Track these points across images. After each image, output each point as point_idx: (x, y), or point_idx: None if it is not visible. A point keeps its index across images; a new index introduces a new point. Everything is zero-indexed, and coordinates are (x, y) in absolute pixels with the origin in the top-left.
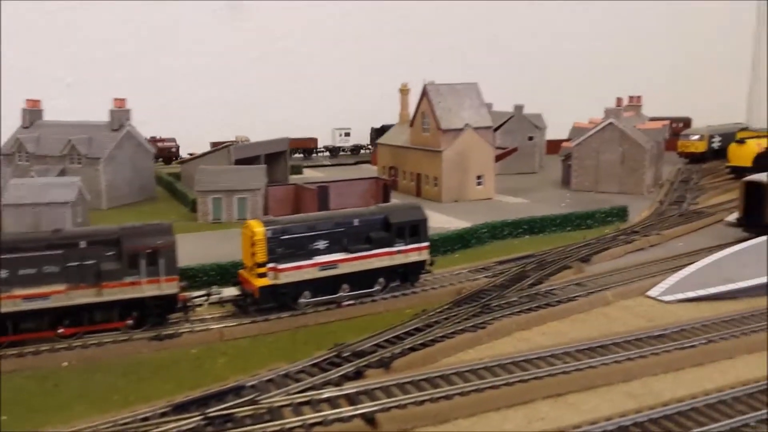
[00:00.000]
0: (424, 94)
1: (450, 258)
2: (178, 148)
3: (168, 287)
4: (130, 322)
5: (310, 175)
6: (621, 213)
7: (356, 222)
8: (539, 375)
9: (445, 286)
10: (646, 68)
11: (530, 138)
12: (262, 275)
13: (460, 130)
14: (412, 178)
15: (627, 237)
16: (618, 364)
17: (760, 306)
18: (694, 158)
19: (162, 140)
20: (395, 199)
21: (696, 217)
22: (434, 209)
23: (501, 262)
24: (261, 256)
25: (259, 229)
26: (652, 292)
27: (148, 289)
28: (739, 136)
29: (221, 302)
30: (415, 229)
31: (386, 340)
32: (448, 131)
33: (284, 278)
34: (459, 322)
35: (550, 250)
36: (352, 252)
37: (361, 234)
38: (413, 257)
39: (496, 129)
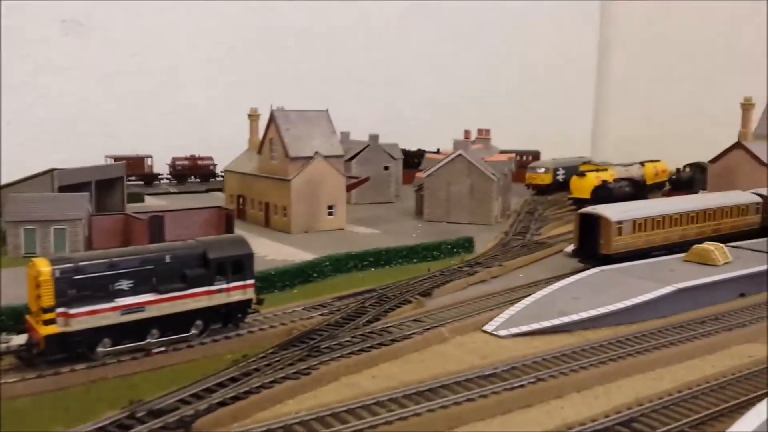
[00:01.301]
0: (272, 120)
1: (288, 294)
2: (215, 165)
3: None
4: None
5: (152, 203)
6: (467, 244)
7: (168, 258)
8: (359, 427)
9: (275, 326)
10: (501, 102)
11: (386, 168)
12: (50, 322)
13: (310, 158)
14: (261, 208)
15: (470, 269)
16: (444, 410)
17: (592, 339)
18: (541, 190)
19: (201, 158)
20: (240, 230)
21: (538, 248)
22: (282, 240)
23: (340, 298)
24: (47, 299)
25: (45, 268)
26: (488, 327)
27: None
28: (581, 169)
29: (7, 353)
30: (238, 265)
31: (193, 395)
32: (297, 159)
33: (77, 325)
34: (282, 369)
35: (393, 283)
36: (162, 292)
37: (175, 271)
38: (237, 296)
39: (351, 158)
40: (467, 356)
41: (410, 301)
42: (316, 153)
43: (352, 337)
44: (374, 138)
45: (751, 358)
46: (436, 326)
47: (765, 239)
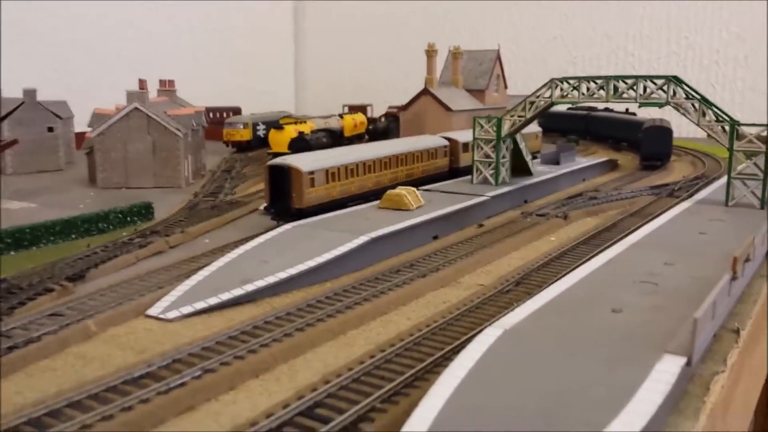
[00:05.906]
0: None
1: None
2: None
3: None
4: None
5: None
6: (144, 211)
7: None
8: None
9: None
10: (201, 58)
11: (50, 129)
12: None
13: None
14: None
15: (143, 240)
16: None
17: (279, 307)
18: (241, 147)
19: None
20: None
21: (230, 209)
22: None
23: None
24: None
25: None
26: (154, 310)
27: None
28: (280, 122)
29: None
30: None
31: None
32: None
33: None
34: None
35: (32, 269)
36: None
37: None
38: None
39: (2, 119)
40: (118, 354)
41: (52, 290)
42: None
43: None
44: (30, 93)
45: (446, 303)
46: (81, 319)
47: (453, 180)
